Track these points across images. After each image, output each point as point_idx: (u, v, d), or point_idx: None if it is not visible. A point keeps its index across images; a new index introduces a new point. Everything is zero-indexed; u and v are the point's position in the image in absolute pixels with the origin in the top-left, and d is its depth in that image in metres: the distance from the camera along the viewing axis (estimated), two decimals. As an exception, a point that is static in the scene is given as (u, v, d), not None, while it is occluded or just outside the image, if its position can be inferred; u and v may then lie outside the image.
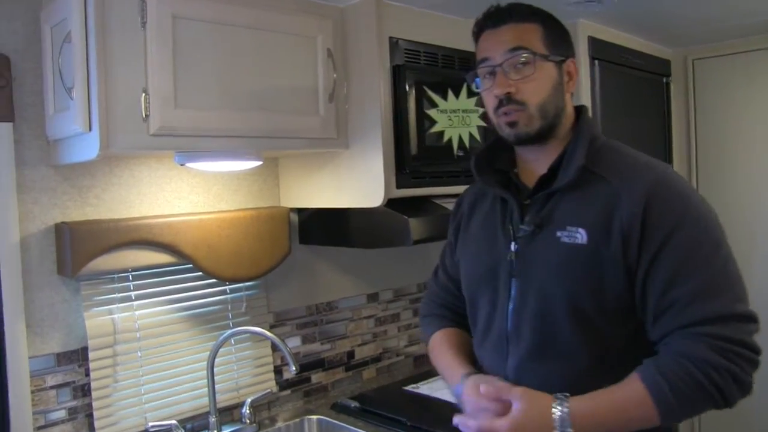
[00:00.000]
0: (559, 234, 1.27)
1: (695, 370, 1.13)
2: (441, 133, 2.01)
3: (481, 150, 1.47)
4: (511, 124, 1.31)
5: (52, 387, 1.75)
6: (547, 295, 1.28)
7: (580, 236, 1.25)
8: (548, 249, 1.29)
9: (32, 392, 1.71)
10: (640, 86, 2.74)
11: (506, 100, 1.30)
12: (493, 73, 1.32)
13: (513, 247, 1.34)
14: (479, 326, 1.44)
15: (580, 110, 1.39)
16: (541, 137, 1.33)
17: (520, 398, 1.20)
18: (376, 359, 2.55)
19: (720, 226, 1.24)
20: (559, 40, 1.34)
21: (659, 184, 1.23)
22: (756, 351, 1.16)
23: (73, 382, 1.78)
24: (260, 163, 1.85)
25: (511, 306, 1.34)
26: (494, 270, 1.37)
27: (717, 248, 1.21)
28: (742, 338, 1.15)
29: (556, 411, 1.17)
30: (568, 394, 1.19)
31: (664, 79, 2.91)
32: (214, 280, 2.02)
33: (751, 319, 1.18)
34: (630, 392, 1.18)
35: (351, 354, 2.46)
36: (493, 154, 1.46)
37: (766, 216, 2.89)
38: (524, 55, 1.29)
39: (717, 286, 1.18)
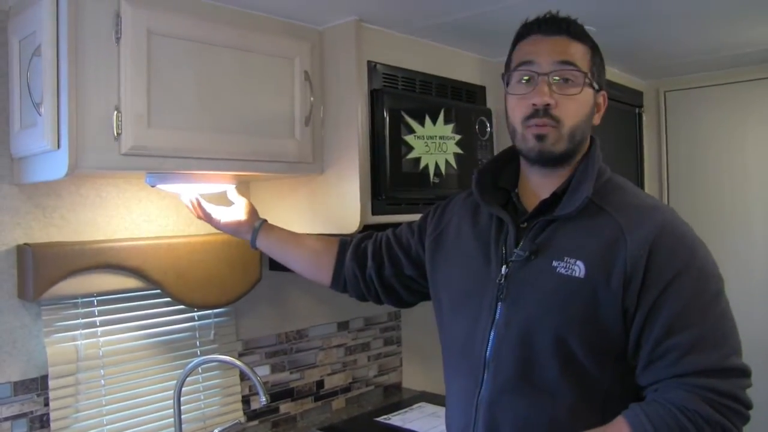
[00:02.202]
0: (555, 264, 1.22)
1: (686, 421, 1.10)
2: (417, 160, 1.98)
3: (486, 165, 1.40)
4: (540, 137, 1.25)
5: (6, 419, 1.65)
6: (533, 324, 1.23)
7: (578, 269, 1.20)
8: (541, 277, 1.23)
9: (-16, 424, 1.62)
10: (613, 116, 2.75)
11: (543, 111, 1.23)
12: (531, 81, 1.26)
13: (504, 270, 1.28)
14: (453, 346, 1.38)
15: (591, 140, 1.36)
16: (562, 160, 1.28)
17: None
18: (346, 389, 2.49)
19: (720, 276, 1.21)
20: (600, 69, 1.33)
21: (666, 228, 1.19)
22: (747, 406, 1.14)
23: (31, 412, 1.69)
24: (234, 186, 1.80)
25: (493, 332, 1.27)
26: (480, 290, 1.31)
27: (717, 299, 1.18)
28: (736, 393, 1.12)
29: None
30: None
31: (637, 110, 2.95)
32: (182, 307, 1.95)
33: (745, 373, 1.15)
34: None
35: (320, 384, 2.40)
36: (496, 170, 1.40)
37: (734, 246, 2.93)
38: (575, 73, 1.24)
39: (714, 338, 1.14)
